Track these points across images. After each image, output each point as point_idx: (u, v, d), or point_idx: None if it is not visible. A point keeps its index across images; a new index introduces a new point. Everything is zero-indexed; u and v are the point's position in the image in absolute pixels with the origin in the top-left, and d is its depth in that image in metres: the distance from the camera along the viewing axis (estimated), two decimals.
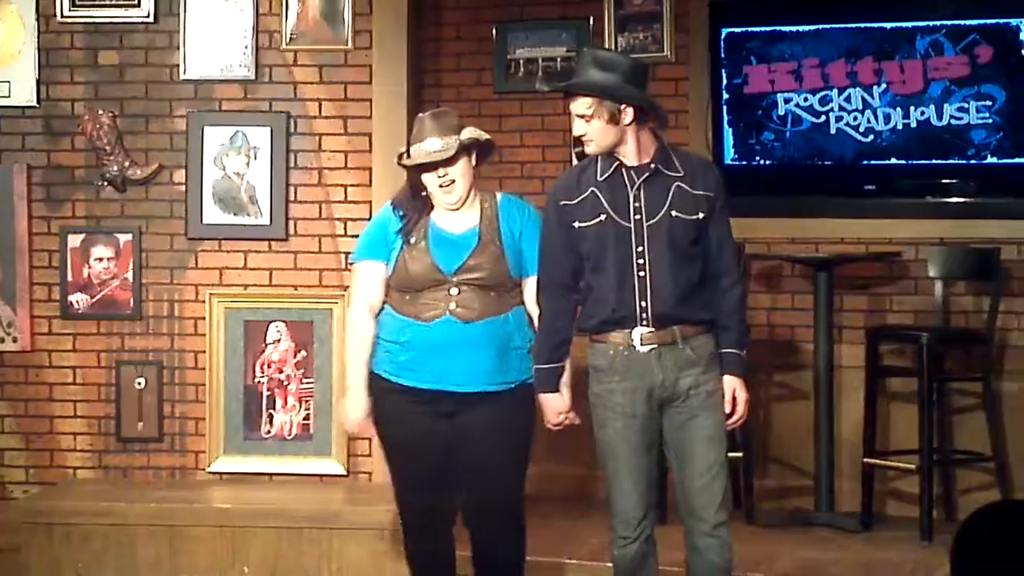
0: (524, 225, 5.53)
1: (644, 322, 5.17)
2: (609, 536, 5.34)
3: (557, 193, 5.32)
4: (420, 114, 5.60)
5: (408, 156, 5.47)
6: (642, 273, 5.16)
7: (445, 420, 5.44)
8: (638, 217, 5.16)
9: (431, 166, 5.42)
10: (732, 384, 5.24)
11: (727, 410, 5.24)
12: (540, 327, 5.39)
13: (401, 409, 5.46)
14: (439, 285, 5.41)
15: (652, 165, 5.18)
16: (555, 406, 5.42)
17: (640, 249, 5.16)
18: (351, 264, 5.66)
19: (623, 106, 5.11)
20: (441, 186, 5.44)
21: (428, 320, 5.40)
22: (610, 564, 5.37)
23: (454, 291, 5.40)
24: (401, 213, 5.50)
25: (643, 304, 5.16)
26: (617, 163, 5.20)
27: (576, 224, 5.24)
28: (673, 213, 5.15)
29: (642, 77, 5.21)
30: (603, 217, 5.20)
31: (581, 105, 5.15)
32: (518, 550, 5.63)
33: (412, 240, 5.46)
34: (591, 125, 5.15)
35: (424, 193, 5.47)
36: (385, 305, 5.49)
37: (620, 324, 5.20)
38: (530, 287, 5.48)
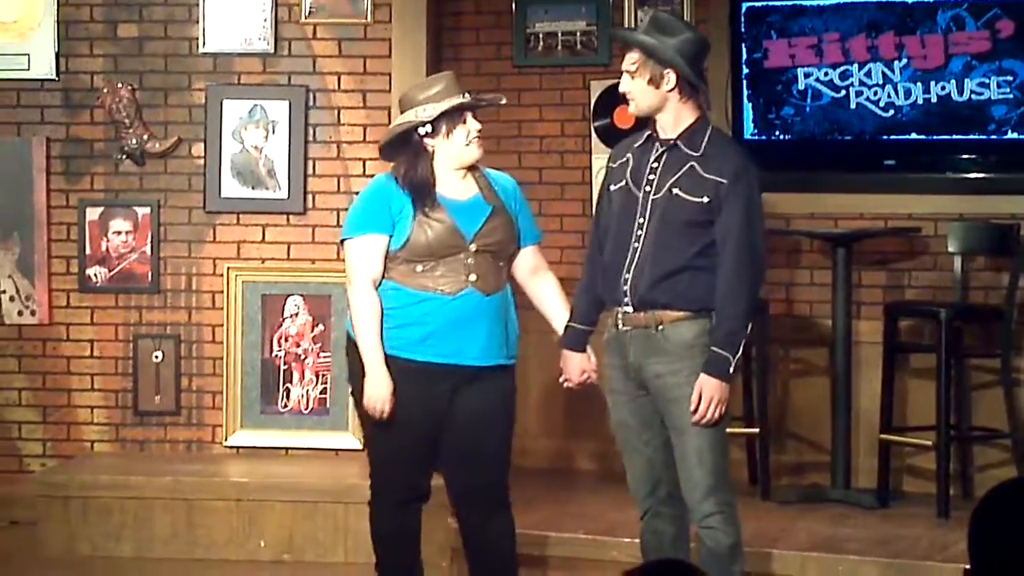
0: (516, 196, 5.57)
1: (626, 302, 5.15)
2: (625, 511, 5.35)
3: (610, 155, 5.39)
4: (436, 75, 5.66)
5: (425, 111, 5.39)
6: (636, 245, 5.14)
7: (447, 396, 5.40)
8: (648, 189, 5.15)
9: (471, 115, 5.40)
10: (700, 383, 5.05)
11: (691, 408, 5.06)
12: (580, 285, 5.41)
13: (407, 386, 5.35)
14: (456, 253, 5.35)
15: (675, 140, 5.15)
16: (580, 364, 5.39)
17: (640, 221, 5.15)
18: (345, 240, 5.47)
19: (666, 70, 5.09)
20: (477, 138, 5.40)
21: (452, 293, 5.34)
22: (626, 539, 5.38)
23: (470, 260, 5.36)
24: (413, 181, 5.38)
25: (626, 278, 5.14)
26: (651, 132, 5.20)
27: (611, 187, 5.29)
28: (675, 191, 5.10)
29: (696, 49, 5.15)
30: (623, 183, 5.23)
31: (628, 60, 5.15)
32: (512, 524, 5.59)
33: (427, 208, 5.36)
34: (634, 83, 5.14)
35: (419, 163, 5.41)
36: (384, 280, 5.39)
37: (612, 300, 5.21)
38: (524, 257, 5.55)
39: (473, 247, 5.37)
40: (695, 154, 5.12)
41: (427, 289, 5.36)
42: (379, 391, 5.35)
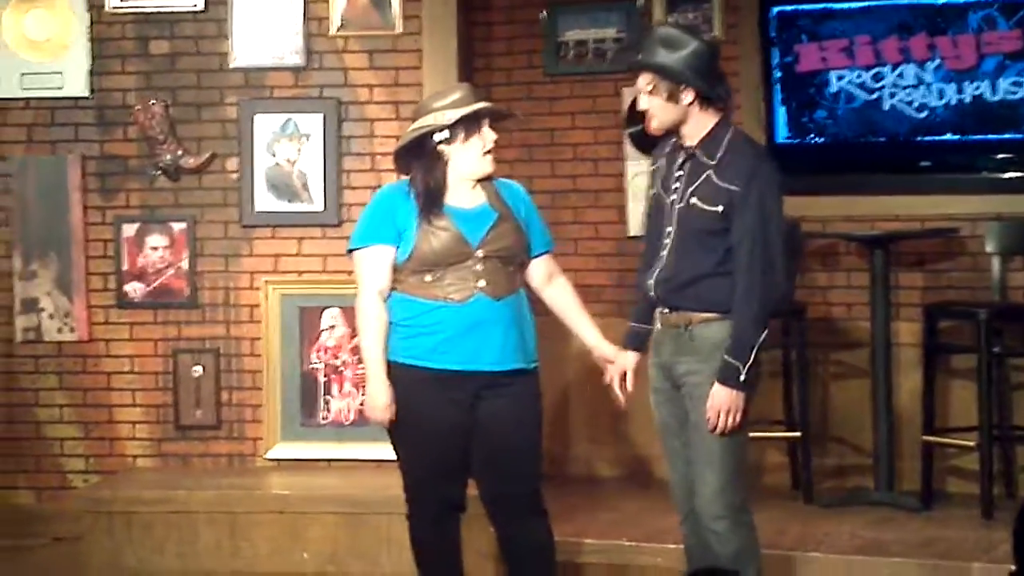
0: (525, 203, 5.56)
1: (660, 301, 5.21)
2: (666, 517, 5.34)
3: (652, 158, 5.46)
4: (453, 85, 5.67)
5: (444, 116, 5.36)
6: (663, 252, 5.20)
7: (469, 403, 5.38)
8: (674, 197, 5.19)
9: (488, 126, 5.39)
10: (712, 393, 5.06)
11: (706, 417, 5.07)
12: (636, 285, 5.44)
13: (427, 395, 5.34)
14: (463, 261, 5.32)
15: (694, 149, 5.17)
16: (622, 362, 5.42)
17: (668, 229, 5.19)
18: (352, 251, 5.44)
19: (683, 86, 5.10)
20: (492, 151, 5.40)
21: (461, 300, 5.33)
22: (671, 545, 5.37)
23: (478, 267, 5.34)
24: (429, 186, 5.35)
25: (655, 283, 5.20)
26: (677, 139, 5.23)
27: (651, 191, 5.38)
28: (692, 200, 5.13)
29: (707, 58, 5.14)
30: (656, 189, 5.30)
31: (642, 81, 5.17)
32: (550, 531, 5.56)
33: (432, 217, 5.34)
34: (652, 102, 5.16)
35: (436, 169, 5.39)
36: (394, 291, 5.38)
37: (652, 301, 5.27)
38: (537, 266, 5.55)
39: (480, 253, 5.35)
40: (711, 163, 5.13)
41: (437, 298, 5.34)
42: (377, 399, 5.37)
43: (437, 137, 5.36)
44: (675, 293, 5.15)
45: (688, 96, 5.11)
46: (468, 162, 5.39)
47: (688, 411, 5.17)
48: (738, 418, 5.06)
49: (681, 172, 5.19)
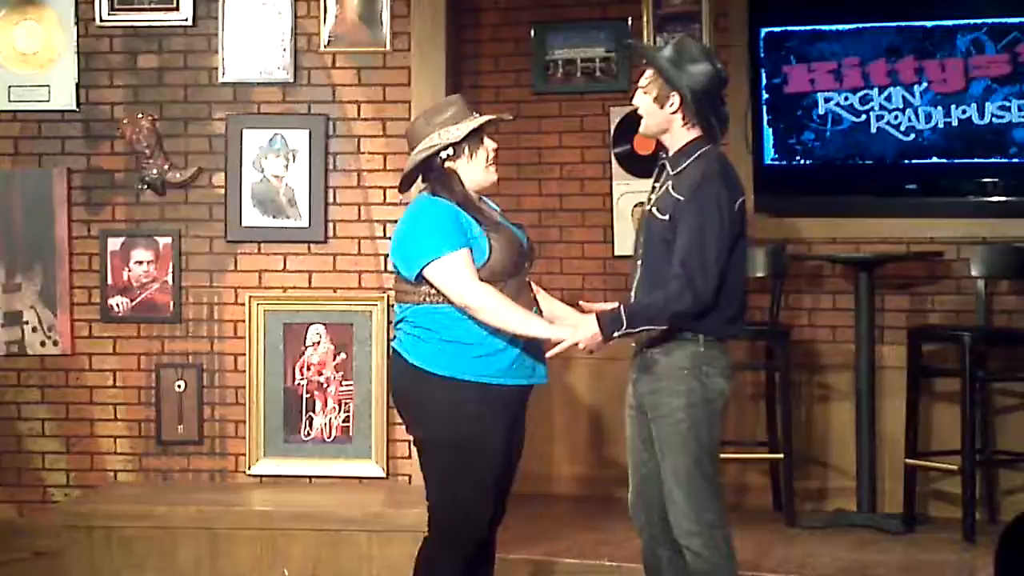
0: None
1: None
2: None
3: None
4: (447, 97, 5.58)
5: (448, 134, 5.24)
6: (637, 263, 5.24)
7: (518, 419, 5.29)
8: (648, 208, 5.25)
9: (489, 135, 5.30)
10: (584, 324, 5.08)
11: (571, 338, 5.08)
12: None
13: (501, 415, 5.15)
14: (521, 269, 5.21)
15: (666, 161, 5.21)
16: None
17: (641, 239, 5.25)
18: (433, 261, 5.08)
19: (672, 92, 5.11)
20: (495, 160, 5.30)
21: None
22: None
23: (525, 278, 5.25)
24: (461, 202, 5.18)
25: (630, 296, 5.23)
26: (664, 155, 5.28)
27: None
28: (653, 210, 5.18)
29: (711, 82, 5.12)
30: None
31: (644, 76, 5.20)
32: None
33: (489, 226, 5.17)
34: (643, 99, 5.19)
35: (455, 184, 5.24)
36: (452, 305, 5.12)
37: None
38: None
39: (527, 263, 5.29)
40: (672, 174, 5.16)
41: None
42: (582, 333, 5.09)
43: (444, 154, 5.25)
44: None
45: (673, 104, 5.12)
46: (475, 174, 5.27)
47: (652, 431, 5.18)
48: (584, 348, 5.10)
49: (656, 184, 5.25)
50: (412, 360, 5.18)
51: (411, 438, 5.45)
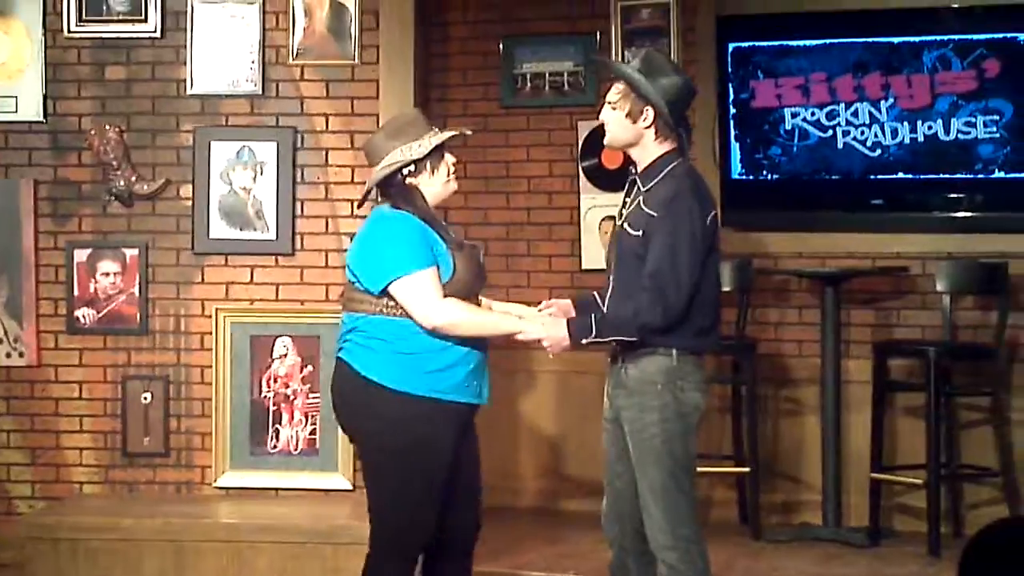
0: None
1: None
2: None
3: None
4: (405, 112, 5.61)
5: (410, 151, 5.25)
6: (610, 278, 5.26)
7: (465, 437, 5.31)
8: (620, 223, 5.26)
9: (451, 149, 5.32)
10: (555, 326, 5.14)
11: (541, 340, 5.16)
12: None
13: (450, 430, 5.18)
14: (480, 288, 5.29)
15: (637, 176, 5.22)
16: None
17: (614, 255, 5.26)
18: (406, 275, 5.12)
19: (645, 107, 5.12)
20: (455, 173, 5.33)
21: None
22: None
23: (481, 296, 5.32)
24: (426, 217, 5.22)
25: (603, 311, 5.22)
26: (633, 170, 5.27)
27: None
28: (624, 225, 5.19)
29: (681, 94, 5.16)
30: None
31: (613, 91, 5.21)
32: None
33: (452, 243, 5.22)
34: (613, 115, 5.19)
35: (417, 199, 5.27)
36: (409, 319, 5.15)
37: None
38: None
39: (482, 284, 5.34)
40: (644, 190, 5.18)
41: None
42: (551, 332, 5.16)
43: (405, 170, 5.26)
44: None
45: (647, 119, 5.13)
46: (436, 189, 5.30)
47: (631, 448, 5.19)
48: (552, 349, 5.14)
49: (627, 199, 5.25)
50: (362, 371, 5.19)
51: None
